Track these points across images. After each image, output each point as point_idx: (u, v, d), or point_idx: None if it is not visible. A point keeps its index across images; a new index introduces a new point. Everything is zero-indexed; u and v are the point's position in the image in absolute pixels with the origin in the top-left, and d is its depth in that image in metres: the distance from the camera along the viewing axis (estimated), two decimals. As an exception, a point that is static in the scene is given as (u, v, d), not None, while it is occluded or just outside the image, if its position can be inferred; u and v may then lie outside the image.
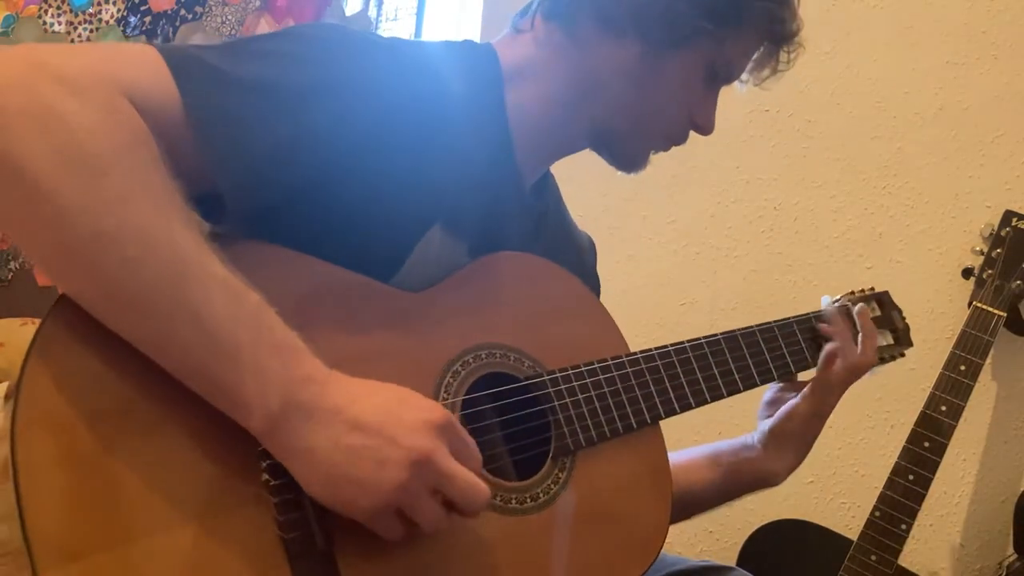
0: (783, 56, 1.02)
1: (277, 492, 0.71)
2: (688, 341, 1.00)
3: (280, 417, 0.69)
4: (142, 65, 0.73)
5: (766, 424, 1.10)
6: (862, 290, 1.21)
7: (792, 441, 1.09)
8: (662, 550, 0.91)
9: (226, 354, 0.69)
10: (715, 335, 1.03)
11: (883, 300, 1.21)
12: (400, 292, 0.86)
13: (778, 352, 1.06)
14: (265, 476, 0.71)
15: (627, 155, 1.02)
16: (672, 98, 0.98)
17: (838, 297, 1.19)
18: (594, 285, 1.16)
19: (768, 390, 1.14)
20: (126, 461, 0.68)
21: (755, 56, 1.01)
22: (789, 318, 1.09)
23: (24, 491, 0.64)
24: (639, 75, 0.95)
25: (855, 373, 1.08)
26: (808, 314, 1.11)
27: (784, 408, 1.08)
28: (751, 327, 1.06)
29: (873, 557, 1.44)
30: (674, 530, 1.93)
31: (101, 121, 0.67)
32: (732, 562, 1.56)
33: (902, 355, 1.21)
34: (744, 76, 1.02)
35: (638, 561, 0.89)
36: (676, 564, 1.06)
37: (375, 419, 0.71)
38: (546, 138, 0.99)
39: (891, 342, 1.19)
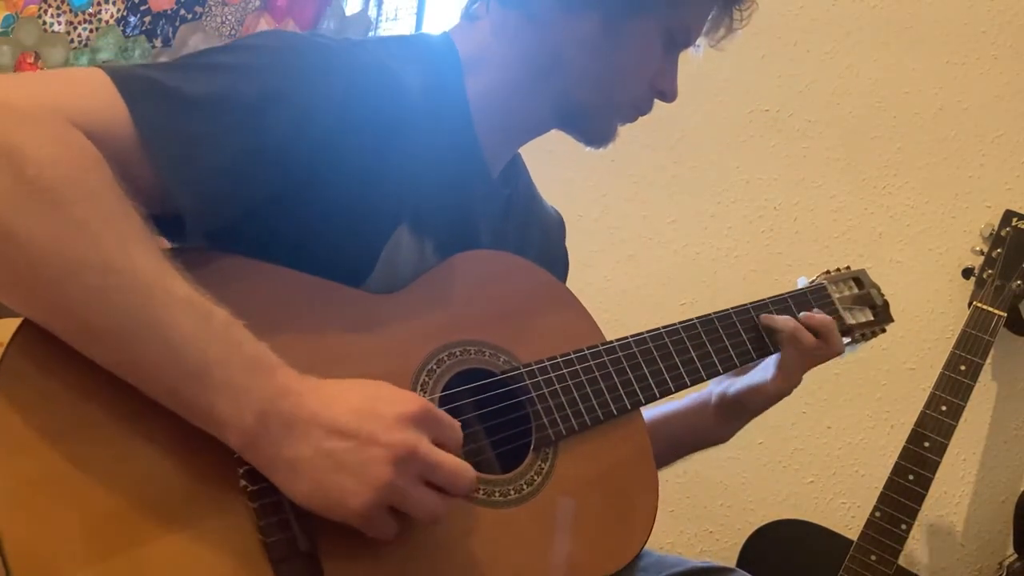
0: (736, 15, 1.02)
1: (256, 497, 0.71)
2: (664, 327, 1.01)
3: (257, 431, 0.69)
4: (90, 90, 0.72)
5: (731, 388, 1.11)
6: (838, 269, 1.22)
7: (749, 412, 1.12)
8: (662, 551, 0.91)
9: (195, 374, 0.68)
10: (691, 319, 1.03)
11: (861, 279, 1.22)
12: (370, 295, 0.87)
13: (754, 333, 1.07)
14: (243, 482, 0.71)
15: (596, 129, 1.02)
16: (635, 67, 0.98)
17: (815, 277, 1.19)
18: (563, 260, 1.18)
19: None
20: (102, 476, 0.67)
21: (710, 17, 1.02)
22: (766, 299, 1.11)
23: (1, 512, 0.63)
24: (601, 47, 0.95)
25: (815, 359, 1.09)
26: (785, 294, 1.13)
27: (752, 381, 1.10)
28: (727, 310, 1.07)
29: (873, 557, 1.44)
30: (674, 530, 1.93)
31: (51, 154, 0.66)
32: (732, 562, 1.56)
33: (883, 331, 1.22)
34: (700, 40, 1.03)
35: (627, 546, 0.89)
36: (676, 565, 1.06)
37: (353, 420, 0.70)
38: (511, 123, 1.00)
39: (871, 319, 1.20)
